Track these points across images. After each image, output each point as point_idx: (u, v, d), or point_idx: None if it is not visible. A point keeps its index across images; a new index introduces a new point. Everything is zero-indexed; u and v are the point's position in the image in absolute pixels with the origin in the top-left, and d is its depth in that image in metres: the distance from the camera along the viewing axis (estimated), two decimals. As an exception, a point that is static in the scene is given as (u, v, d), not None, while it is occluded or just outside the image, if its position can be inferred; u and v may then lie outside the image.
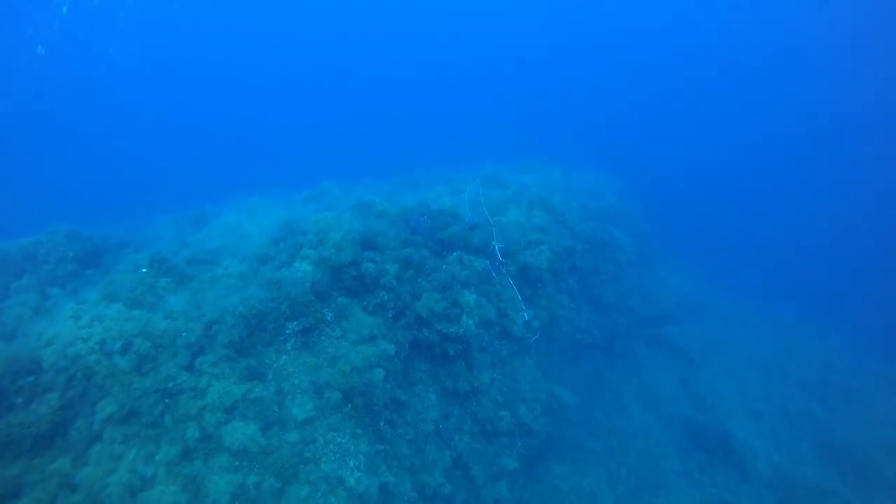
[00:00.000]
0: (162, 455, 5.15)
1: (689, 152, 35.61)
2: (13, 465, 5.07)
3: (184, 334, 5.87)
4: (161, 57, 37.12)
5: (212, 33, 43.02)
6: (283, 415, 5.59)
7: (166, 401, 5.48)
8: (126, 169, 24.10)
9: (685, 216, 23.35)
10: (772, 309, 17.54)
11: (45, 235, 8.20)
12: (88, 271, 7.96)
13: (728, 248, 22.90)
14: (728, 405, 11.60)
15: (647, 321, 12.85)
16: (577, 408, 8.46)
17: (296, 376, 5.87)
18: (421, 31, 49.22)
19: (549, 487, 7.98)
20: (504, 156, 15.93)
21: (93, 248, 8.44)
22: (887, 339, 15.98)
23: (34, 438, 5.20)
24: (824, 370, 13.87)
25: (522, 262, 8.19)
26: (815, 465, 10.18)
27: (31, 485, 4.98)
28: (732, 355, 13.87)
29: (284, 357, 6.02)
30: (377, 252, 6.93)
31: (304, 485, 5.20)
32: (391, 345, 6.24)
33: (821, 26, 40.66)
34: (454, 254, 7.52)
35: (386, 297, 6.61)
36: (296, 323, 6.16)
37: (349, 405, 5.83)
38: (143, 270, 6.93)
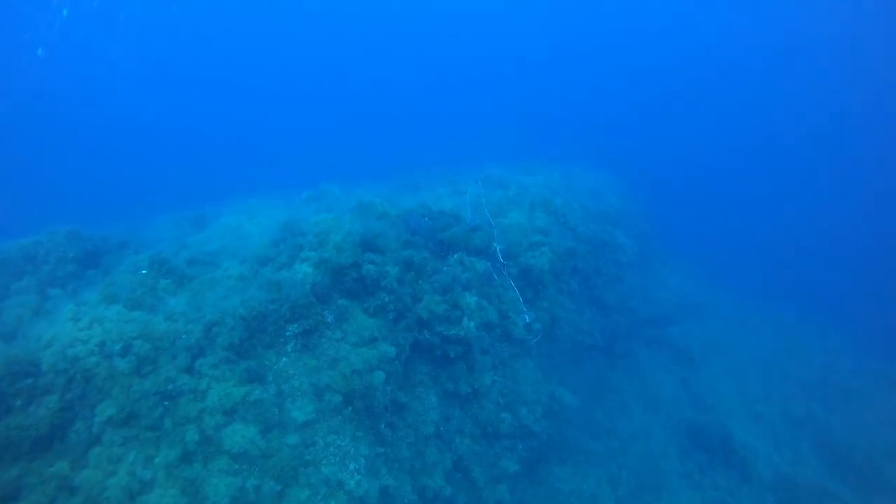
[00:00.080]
0: (161, 458, 5.12)
1: (688, 153, 35.63)
2: (11, 468, 5.04)
3: (184, 336, 5.85)
4: (161, 58, 37.15)
5: (211, 34, 43.06)
6: (283, 417, 5.57)
7: (166, 403, 5.45)
8: (126, 169, 24.09)
9: (685, 217, 23.36)
10: (772, 309, 17.53)
11: (45, 236, 8.18)
12: (89, 272, 7.94)
13: (728, 249, 22.91)
14: (728, 406, 11.59)
15: (648, 322, 12.84)
16: (578, 409, 8.45)
17: (296, 379, 5.85)
18: (421, 32, 49.28)
19: (550, 490, 7.96)
20: (504, 157, 15.92)
21: (93, 249, 8.42)
22: (888, 339, 15.96)
23: (33, 441, 5.17)
24: (825, 370, 13.86)
25: (524, 264, 8.17)
26: (815, 467, 10.16)
27: (29, 487, 4.95)
28: (733, 356, 13.86)
29: (284, 359, 6.00)
30: (378, 254, 6.91)
31: (303, 488, 5.18)
32: (392, 347, 6.22)
33: (820, 27, 40.75)
34: (455, 255, 7.51)
35: (387, 299, 6.59)
36: (296, 325, 6.14)
37: (349, 408, 5.80)
38: (143, 272, 6.91)
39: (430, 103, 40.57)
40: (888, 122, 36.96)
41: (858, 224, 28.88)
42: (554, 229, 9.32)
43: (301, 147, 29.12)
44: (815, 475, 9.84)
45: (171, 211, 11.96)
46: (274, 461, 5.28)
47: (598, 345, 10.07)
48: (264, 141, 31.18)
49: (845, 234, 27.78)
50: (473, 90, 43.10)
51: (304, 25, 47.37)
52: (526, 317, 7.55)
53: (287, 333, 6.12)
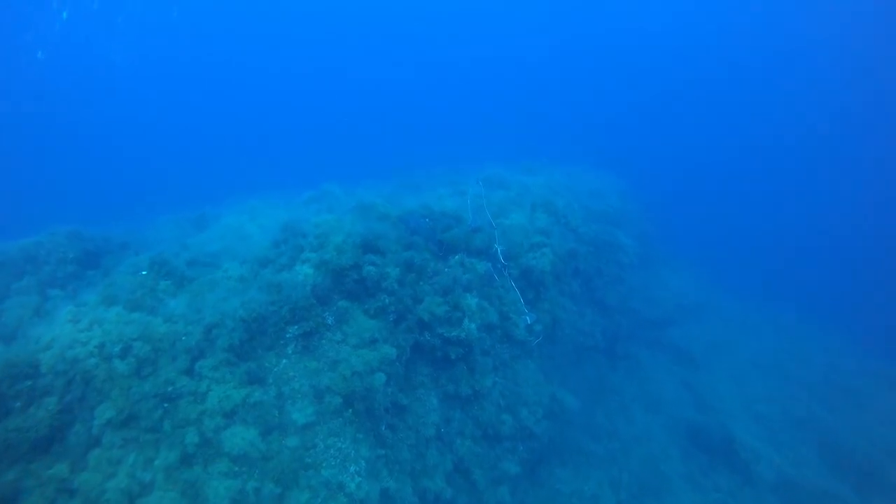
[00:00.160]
0: (161, 460, 5.10)
1: (688, 153, 35.63)
2: (10, 470, 5.02)
3: (183, 338, 5.83)
4: (161, 58, 37.17)
5: (211, 34, 43.08)
6: (284, 419, 5.55)
7: (165, 405, 5.43)
8: (126, 169, 24.10)
9: (685, 217, 23.33)
10: (773, 309, 17.49)
11: (45, 236, 8.16)
12: (89, 272, 7.92)
13: (728, 249, 22.88)
14: (730, 407, 11.54)
15: (649, 323, 12.81)
16: (579, 411, 8.42)
17: (296, 380, 5.82)
18: (421, 32, 49.28)
19: (551, 491, 7.92)
20: (505, 157, 15.90)
21: (94, 249, 8.41)
22: (889, 339, 15.91)
23: (32, 443, 5.15)
24: (826, 371, 13.81)
25: (525, 265, 8.14)
26: (818, 468, 10.11)
27: (28, 490, 4.92)
28: (734, 357, 13.81)
29: (285, 361, 5.97)
30: (378, 255, 6.88)
31: (304, 490, 5.15)
32: (392, 349, 6.20)
33: (820, 27, 40.70)
34: (456, 256, 7.48)
35: (387, 301, 6.56)
36: (296, 327, 6.12)
37: (350, 410, 5.78)
38: (144, 272, 6.89)
39: (430, 103, 40.60)
40: (888, 122, 36.90)
41: (859, 224, 28.84)
42: (555, 230, 9.29)
43: (302, 147, 29.14)
44: (817, 476, 9.79)
45: (171, 211, 11.94)
46: (274, 463, 5.25)
47: (600, 346, 10.03)
48: (265, 141, 31.20)
49: (846, 234, 27.76)
50: (474, 90, 43.13)
51: (305, 25, 47.38)
52: (527, 318, 7.52)
53: (287, 335, 6.10)
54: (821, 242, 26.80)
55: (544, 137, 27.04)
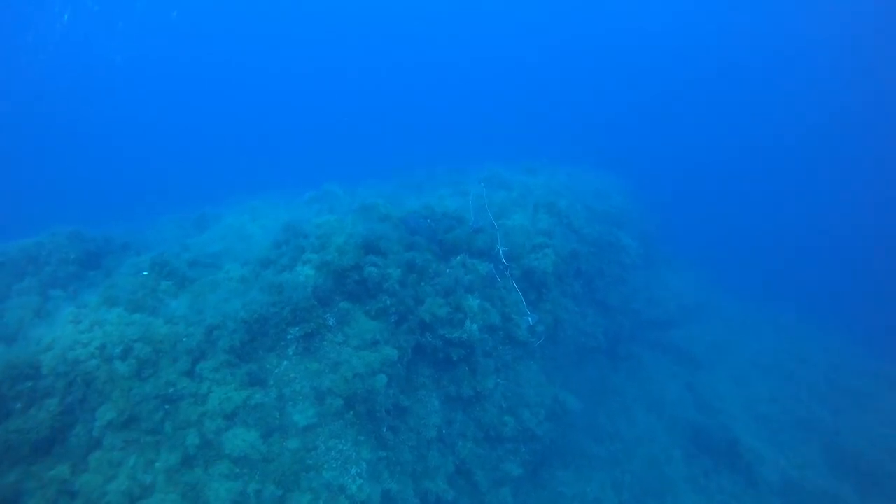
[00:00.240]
0: (162, 462, 5.08)
1: (688, 153, 35.57)
2: (11, 472, 5.00)
3: (184, 339, 5.81)
4: (161, 58, 37.22)
5: (211, 34, 43.12)
6: (285, 421, 5.52)
7: (166, 407, 5.41)
8: (126, 170, 24.12)
9: (686, 217, 23.26)
10: (774, 310, 17.43)
11: (46, 236, 8.15)
12: (90, 273, 7.91)
13: (729, 249, 22.82)
14: (733, 409, 11.48)
15: (652, 324, 12.76)
16: (581, 412, 8.38)
17: (297, 382, 5.80)
18: (422, 32, 49.29)
19: (553, 493, 7.89)
20: (505, 157, 15.87)
21: (95, 250, 8.40)
22: (891, 339, 15.83)
23: (33, 445, 5.13)
24: (830, 372, 13.73)
25: (527, 266, 8.11)
26: (822, 471, 10.05)
27: (29, 492, 4.91)
28: (737, 358, 13.76)
29: (286, 363, 5.95)
30: (380, 256, 6.85)
31: (305, 492, 5.13)
32: (394, 350, 6.17)
33: (820, 27, 40.63)
34: (458, 257, 7.44)
35: (389, 302, 6.54)
36: (297, 328, 6.09)
37: (351, 412, 5.75)
38: (145, 273, 6.87)
39: (431, 103, 40.58)
40: (888, 122, 36.82)
41: (860, 224, 28.77)
42: (557, 231, 9.25)
43: (303, 147, 29.14)
44: (822, 479, 9.73)
45: (171, 211, 11.95)
46: (275, 465, 5.23)
47: (602, 347, 9.99)
48: (265, 141, 31.21)
49: (846, 233, 27.69)
50: (474, 90, 43.11)
51: (306, 25, 47.42)
52: (529, 319, 7.48)
53: (288, 336, 6.07)
54: (821, 242, 26.74)
55: (544, 137, 27.03)
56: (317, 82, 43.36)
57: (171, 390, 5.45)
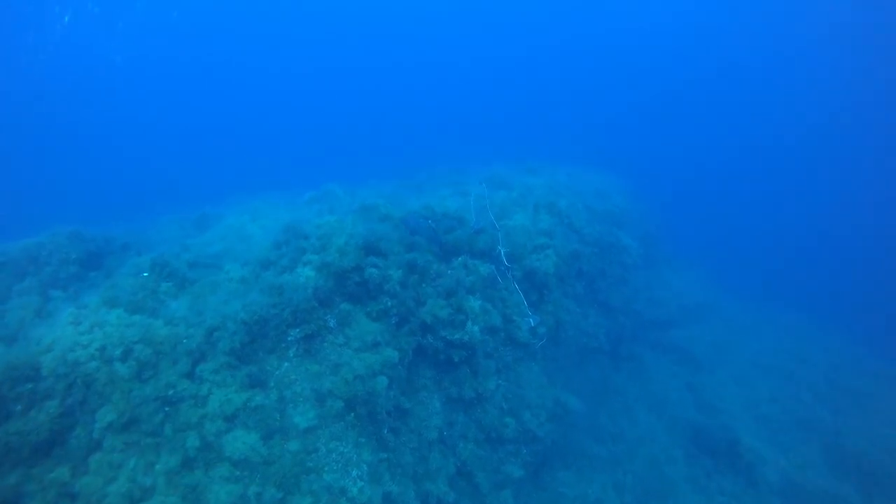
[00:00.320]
0: (162, 464, 5.07)
1: (688, 153, 35.53)
2: (11, 474, 4.99)
3: (185, 341, 5.79)
4: (161, 58, 37.20)
5: (212, 35, 43.08)
6: (285, 423, 5.50)
7: (166, 409, 5.39)
8: (127, 170, 24.12)
9: (686, 217, 23.24)
10: (777, 311, 17.40)
11: (47, 237, 8.13)
12: (91, 273, 7.89)
13: (729, 249, 22.79)
14: (734, 409, 11.46)
15: (653, 324, 12.74)
16: (582, 413, 8.36)
17: (298, 384, 5.78)
18: (421, 33, 49.24)
19: (555, 495, 7.87)
20: (505, 157, 15.86)
21: (95, 250, 8.38)
22: (892, 340, 15.79)
23: (33, 447, 5.12)
24: (831, 372, 13.70)
25: (528, 267, 8.08)
26: (823, 472, 10.03)
27: (29, 494, 4.90)
28: (738, 358, 13.73)
29: (286, 364, 5.93)
30: (381, 257, 6.83)
31: (305, 495, 5.11)
32: (395, 352, 6.14)
33: (820, 27, 40.53)
34: (459, 258, 7.42)
35: (390, 304, 6.51)
36: (298, 330, 6.07)
37: (352, 414, 5.73)
38: (145, 274, 6.85)
39: (431, 103, 40.54)
40: (888, 122, 36.73)
41: (860, 224, 28.72)
42: (559, 231, 9.23)
43: (303, 147, 29.12)
44: (823, 479, 9.71)
45: (171, 211, 11.93)
46: (275, 468, 5.21)
47: (603, 347, 9.97)
48: (266, 141, 31.19)
49: (847, 233, 27.65)
50: (474, 90, 43.06)
51: (308, 25, 47.37)
52: (530, 320, 7.46)
53: (289, 338, 6.05)
54: (822, 242, 26.71)
55: (544, 137, 27.01)
56: (317, 82, 43.33)
57: (171, 392, 5.44)
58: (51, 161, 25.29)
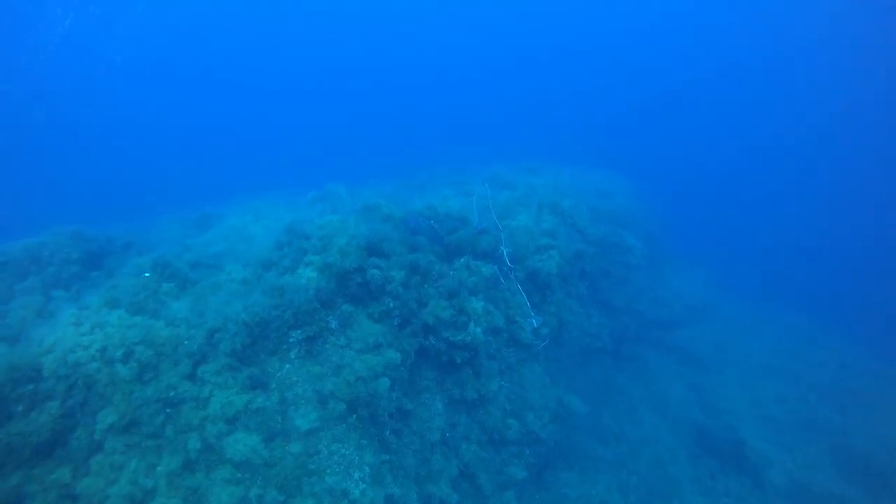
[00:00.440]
0: (163, 466, 5.03)
1: (688, 153, 35.41)
2: (13, 475, 4.97)
3: (186, 342, 5.75)
4: (161, 58, 37.23)
5: (212, 35, 43.10)
6: (287, 425, 5.46)
7: (168, 410, 5.36)
8: (127, 170, 24.14)
9: (687, 217, 23.12)
10: (778, 311, 17.29)
11: (49, 236, 8.11)
12: (93, 273, 7.87)
13: (731, 249, 22.68)
14: (739, 410, 11.37)
15: (655, 324, 12.66)
16: (585, 414, 8.29)
17: (299, 386, 5.73)
18: (422, 33, 49.20)
19: (558, 496, 7.81)
20: (506, 157, 15.81)
21: (97, 250, 8.36)
22: (897, 340, 15.66)
23: (34, 448, 5.10)
24: (839, 374, 13.59)
25: (531, 268, 8.01)
26: (830, 473, 9.93)
27: (31, 495, 4.88)
28: (743, 359, 13.63)
29: (288, 366, 5.88)
30: (383, 258, 6.77)
31: (307, 497, 5.07)
32: (397, 353, 6.09)
33: (820, 27, 40.34)
34: (461, 259, 7.36)
35: (392, 305, 6.46)
36: (299, 331, 6.02)
37: (354, 415, 5.69)
38: (147, 274, 6.82)
39: (432, 103, 40.50)
40: (888, 122, 36.52)
41: (864, 224, 28.54)
42: (562, 231, 9.16)
43: (306, 147, 29.11)
44: (830, 481, 9.62)
45: (172, 211, 11.92)
46: (277, 470, 5.17)
47: (606, 348, 9.89)
48: (268, 141, 31.19)
49: (851, 234, 27.48)
50: (475, 90, 43.00)
51: (308, 25, 47.36)
52: (533, 321, 7.39)
53: (290, 340, 6.01)
54: (826, 242, 26.55)
55: (544, 137, 26.93)
56: (317, 82, 43.32)
57: (172, 394, 5.40)
58: (51, 161, 25.33)
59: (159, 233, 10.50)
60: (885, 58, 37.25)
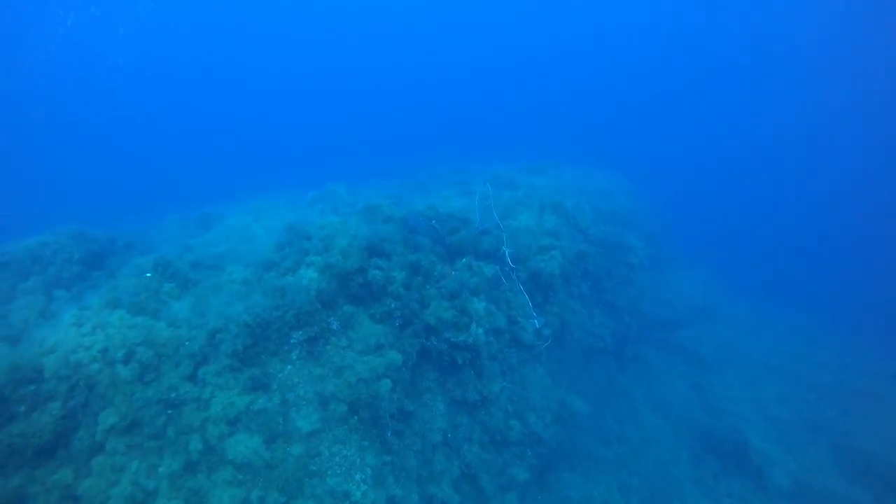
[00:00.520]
0: (165, 467, 5.02)
1: (688, 153, 35.34)
2: (14, 476, 4.97)
3: (187, 343, 5.74)
4: (161, 58, 37.26)
5: (212, 35, 43.11)
6: (288, 427, 5.45)
7: (169, 412, 5.35)
8: (128, 170, 24.16)
9: (688, 217, 23.05)
10: (779, 311, 17.23)
11: (50, 236, 8.11)
12: (94, 273, 7.87)
13: (733, 249, 22.62)
14: (742, 410, 11.33)
15: (658, 325, 12.63)
16: (588, 415, 8.27)
17: (301, 387, 5.72)
18: (423, 33, 49.17)
19: (560, 497, 7.79)
20: (507, 157, 15.77)
21: (99, 250, 8.36)
22: (905, 341, 15.58)
23: (36, 448, 5.09)
24: (842, 374, 13.53)
25: (533, 268, 7.98)
26: (834, 474, 9.89)
27: (32, 496, 4.88)
28: (744, 359, 13.59)
29: (289, 367, 5.87)
30: (384, 258, 6.75)
31: (308, 499, 5.06)
32: (398, 354, 6.07)
33: (819, 27, 40.23)
34: (463, 259, 7.33)
35: (393, 306, 6.44)
36: (301, 332, 6.00)
37: (355, 417, 5.67)
38: (148, 275, 6.81)
39: (433, 103, 40.48)
40: (888, 122, 36.41)
41: (867, 223, 28.45)
42: (564, 231, 9.12)
43: (306, 147, 29.11)
44: (834, 482, 9.58)
45: (173, 211, 11.91)
46: (278, 472, 5.16)
47: (609, 348, 9.87)
48: (269, 141, 31.20)
49: (853, 233, 27.38)
50: (476, 90, 42.97)
51: (308, 25, 47.35)
52: (535, 322, 7.36)
53: (292, 341, 5.99)
54: (826, 242, 26.47)
55: (544, 137, 26.93)
56: (317, 82, 43.32)
57: (173, 395, 5.39)
58: (53, 161, 25.36)
59: (160, 233, 10.50)
60: (885, 58, 37.15)
